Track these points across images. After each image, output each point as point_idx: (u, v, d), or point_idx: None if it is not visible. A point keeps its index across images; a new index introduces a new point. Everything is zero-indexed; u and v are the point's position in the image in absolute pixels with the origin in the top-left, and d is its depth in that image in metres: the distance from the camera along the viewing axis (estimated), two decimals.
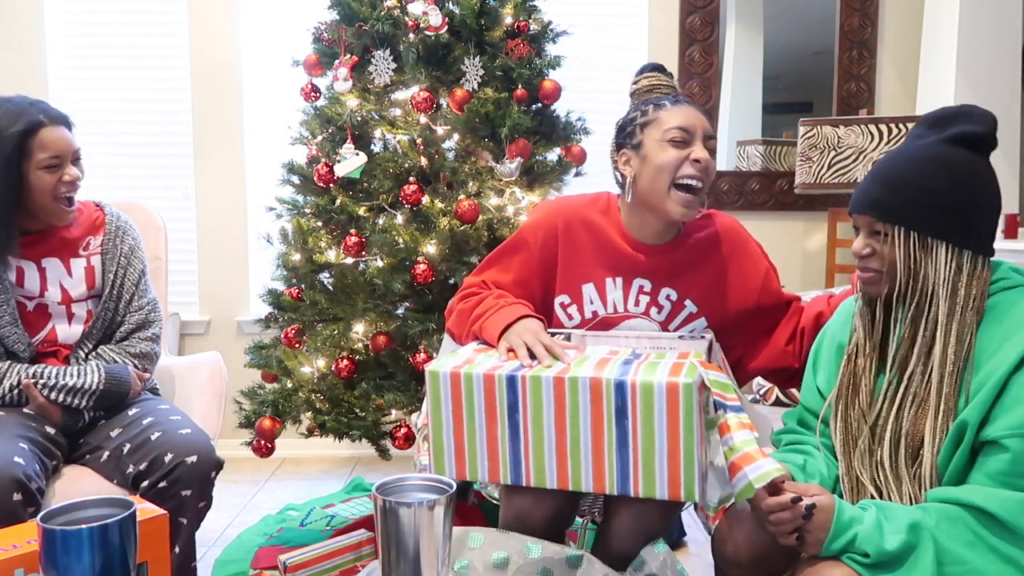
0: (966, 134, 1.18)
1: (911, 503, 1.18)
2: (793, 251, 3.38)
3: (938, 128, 1.21)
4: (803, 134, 2.92)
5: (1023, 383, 1.09)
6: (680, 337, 1.49)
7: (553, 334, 1.46)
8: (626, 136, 1.55)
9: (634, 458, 1.23)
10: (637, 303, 1.58)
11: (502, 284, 1.63)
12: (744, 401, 1.38)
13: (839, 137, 2.85)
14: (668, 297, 1.58)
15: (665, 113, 1.50)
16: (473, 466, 1.32)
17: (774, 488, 1.15)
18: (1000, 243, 2.68)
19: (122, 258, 1.87)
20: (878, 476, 1.22)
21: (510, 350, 1.39)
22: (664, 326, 1.58)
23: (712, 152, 1.48)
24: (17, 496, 1.48)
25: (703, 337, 1.49)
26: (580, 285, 1.58)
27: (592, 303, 1.59)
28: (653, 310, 1.58)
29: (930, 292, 1.17)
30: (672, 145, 1.47)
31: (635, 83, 1.64)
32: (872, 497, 1.21)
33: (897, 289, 1.19)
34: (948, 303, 1.15)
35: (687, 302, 1.57)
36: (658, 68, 1.64)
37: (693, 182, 1.46)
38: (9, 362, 1.72)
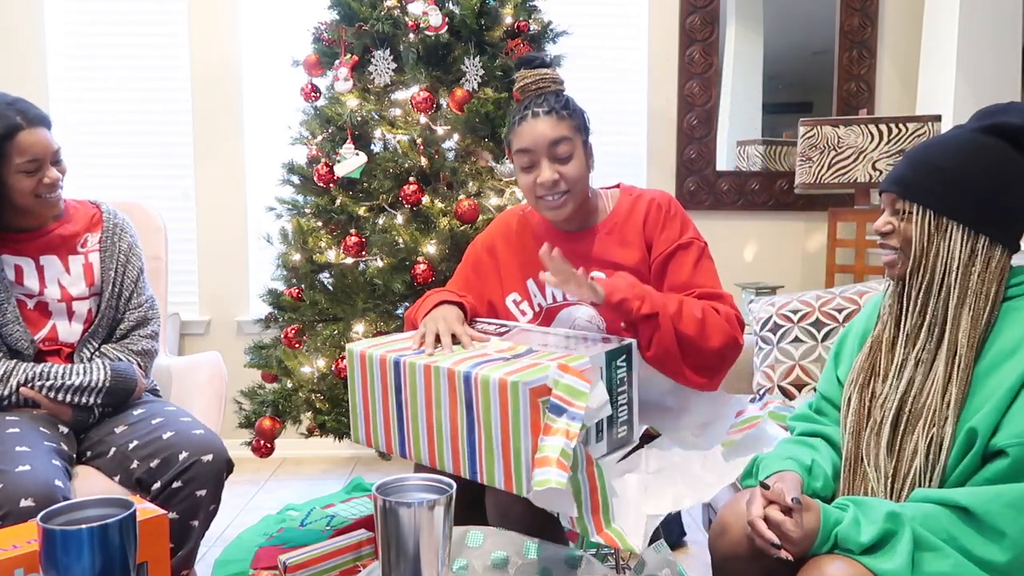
0: (1001, 124, 1.19)
1: (900, 482, 1.19)
2: (793, 251, 3.38)
3: (980, 118, 1.23)
4: (803, 134, 2.92)
5: None
6: (586, 340, 1.49)
7: (503, 326, 1.60)
8: (507, 149, 1.64)
9: (479, 447, 1.32)
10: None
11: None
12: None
13: (839, 137, 2.85)
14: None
15: (513, 136, 1.58)
16: (375, 436, 1.48)
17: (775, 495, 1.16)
18: None
19: (121, 255, 1.88)
20: (874, 453, 1.23)
21: (423, 336, 1.49)
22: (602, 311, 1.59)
23: (564, 158, 1.53)
24: None
25: (621, 341, 1.47)
26: (524, 281, 1.69)
27: (536, 296, 1.68)
28: None
29: (942, 273, 1.17)
30: (523, 171, 1.58)
31: (518, 81, 1.64)
32: (866, 475, 1.23)
33: (911, 267, 1.20)
34: (960, 288, 1.16)
35: None
36: (529, 62, 1.63)
37: (549, 198, 1.55)
38: (15, 360, 1.72)
